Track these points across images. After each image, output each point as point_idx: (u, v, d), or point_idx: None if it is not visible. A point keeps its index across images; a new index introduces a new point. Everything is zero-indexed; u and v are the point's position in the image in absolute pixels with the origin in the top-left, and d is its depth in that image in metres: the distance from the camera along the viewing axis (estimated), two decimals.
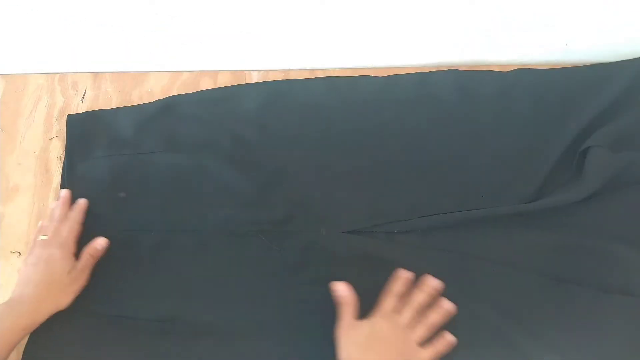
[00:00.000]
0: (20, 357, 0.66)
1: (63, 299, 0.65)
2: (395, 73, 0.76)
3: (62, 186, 0.74)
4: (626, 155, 0.66)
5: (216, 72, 0.79)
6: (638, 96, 0.70)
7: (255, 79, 0.79)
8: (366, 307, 0.64)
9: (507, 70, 0.74)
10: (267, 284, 0.67)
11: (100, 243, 0.68)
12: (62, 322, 0.66)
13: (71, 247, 0.67)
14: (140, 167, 0.73)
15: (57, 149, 0.77)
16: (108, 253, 0.69)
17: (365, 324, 0.58)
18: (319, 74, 0.77)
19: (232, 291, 0.67)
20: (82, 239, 0.69)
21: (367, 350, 0.56)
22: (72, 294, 0.65)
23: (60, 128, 0.77)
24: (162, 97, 0.77)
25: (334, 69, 0.78)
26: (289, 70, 0.79)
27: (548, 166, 0.68)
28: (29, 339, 0.66)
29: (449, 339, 0.59)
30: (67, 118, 0.76)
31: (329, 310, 0.65)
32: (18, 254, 0.72)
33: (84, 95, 0.79)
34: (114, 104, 0.78)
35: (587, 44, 0.73)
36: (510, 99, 0.73)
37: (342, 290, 0.61)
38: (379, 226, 0.68)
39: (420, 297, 0.60)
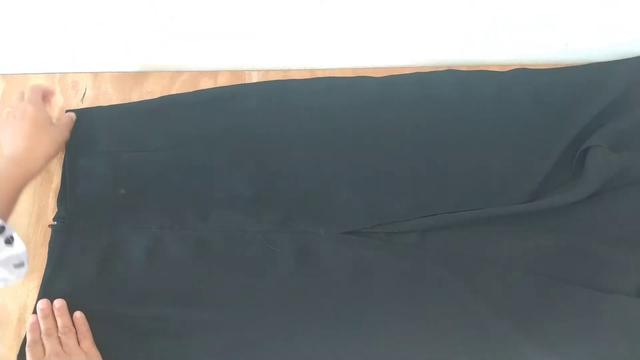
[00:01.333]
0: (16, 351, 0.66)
1: (51, 148, 0.69)
2: (396, 73, 0.76)
3: (63, 180, 0.74)
4: (626, 156, 0.66)
5: (216, 72, 0.79)
6: (637, 95, 0.70)
7: (255, 79, 0.79)
8: (365, 307, 0.64)
9: (506, 70, 0.74)
10: (266, 283, 0.67)
11: (71, 115, 0.75)
12: None
13: (37, 102, 0.70)
14: (140, 164, 0.73)
15: None
16: (105, 248, 0.69)
17: None
18: (319, 74, 0.77)
19: (230, 290, 0.67)
20: (78, 235, 0.70)
21: None
22: (58, 144, 0.70)
23: None
24: None
25: (334, 69, 0.78)
26: (289, 70, 0.79)
27: (548, 166, 0.68)
28: (25, 333, 0.66)
29: (77, 316, 0.65)
30: (66, 113, 0.76)
31: (328, 310, 0.65)
32: None
33: (84, 95, 0.79)
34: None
35: (587, 44, 0.74)
36: (509, 98, 0.73)
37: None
38: (378, 227, 0.68)
39: (44, 326, 0.65)
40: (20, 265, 0.63)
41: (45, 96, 0.74)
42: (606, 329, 0.61)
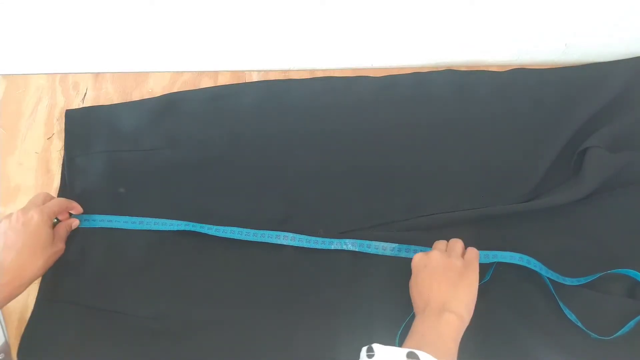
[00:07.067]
0: (16, 349, 0.66)
1: (43, 266, 0.62)
2: (395, 73, 0.76)
3: (63, 179, 0.74)
4: (624, 156, 0.66)
5: (216, 72, 0.80)
6: (635, 95, 0.70)
7: (255, 79, 0.79)
8: (364, 305, 0.64)
9: (504, 70, 0.74)
10: (264, 283, 0.67)
11: (76, 223, 0.70)
12: (57, 314, 0.66)
13: (50, 213, 0.65)
14: (139, 163, 0.73)
15: (57, 150, 0.77)
16: (105, 247, 0.69)
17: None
18: (319, 74, 0.78)
19: (228, 290, 0.67)
20: (78, 235, 0.70)
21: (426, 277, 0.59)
22: (51, 262, 0.64)
23: (61, 129, 0.78)
24: None
25: (334, 69, 0.78)
26: (289, 70, 0.79)
27: (546, 166, 0.68)
28: (24, 331, 0.66)
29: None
30: (66, 113, 0.77)
31: (326, 310, 0.65)
32: None
33: (84, 95, 0.80)
34: None
35: (586, 44, 0.74)
36: (507, 98, 0.73)
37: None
38: (377, 226, 0.68)
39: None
40: None
41: (63, 212, 0.69)
42: (609, 329, 0.61)
